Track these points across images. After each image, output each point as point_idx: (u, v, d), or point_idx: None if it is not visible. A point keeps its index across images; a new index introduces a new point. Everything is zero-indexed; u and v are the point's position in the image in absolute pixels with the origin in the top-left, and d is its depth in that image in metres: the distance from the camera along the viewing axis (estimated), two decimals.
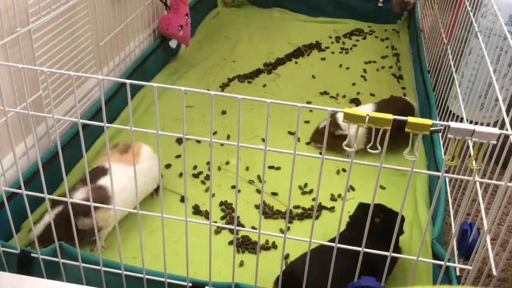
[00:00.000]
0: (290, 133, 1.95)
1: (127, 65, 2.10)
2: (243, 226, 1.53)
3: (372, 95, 2.23)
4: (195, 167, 1.75)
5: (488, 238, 1.10)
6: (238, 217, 1.56)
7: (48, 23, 1.54)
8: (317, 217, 1.58)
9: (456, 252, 1.30)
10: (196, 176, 1.72)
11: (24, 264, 1.19)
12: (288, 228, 1.53)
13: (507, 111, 1.20)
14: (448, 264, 1.07)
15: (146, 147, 1.56)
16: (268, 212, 1.58)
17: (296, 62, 2.49)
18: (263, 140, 1.91)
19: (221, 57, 2.49)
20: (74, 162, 1.67)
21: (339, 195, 1.67)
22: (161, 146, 1.83)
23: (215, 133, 1.94)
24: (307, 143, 1.89)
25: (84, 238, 1.36)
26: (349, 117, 0.85)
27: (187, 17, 2.29)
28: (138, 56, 2.18)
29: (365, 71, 2.43)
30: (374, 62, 2.52)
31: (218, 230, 1.50)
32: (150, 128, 1.91)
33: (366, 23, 2.94)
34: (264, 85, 2.28)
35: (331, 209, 1.61)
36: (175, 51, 2.44)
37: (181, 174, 1.72)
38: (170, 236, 1.47)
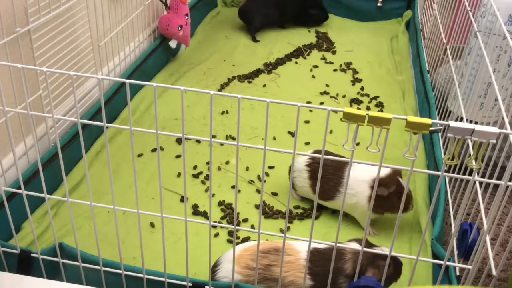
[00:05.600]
0: (290, 133, 1.95)
1: (127, 65, 2.10)
2: (243, 226, 1.53)
3: (373, 96, 2.23)
4: (195, 167, 1.75)
5: (488, 238, 1.10)
6: (238, 217, 1.56)
7: (48, 23, 1.54)
8: (317, 217, 1.58)
9: (456, 252, 1.30)
10: (196, 176, 1.72)
11: (24, 264, 1.19)
12: (288, 228, 1.53)
13: (507, 111, 1.20)
14: (448, 264, 1.07)
15: None
16: (268, 212, 1.58)
17: (296, 62, 2.49)
18: (263, 140, 1.91)
19: (221, 57, 2.49)
20: (74, 162, 1.67)
21: None
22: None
23: (214, 136, 1.94)
24: (307, 143, 1.89)
25: None
26: (348, 117, 0.85)
27: (187, 17, 2.29)
28: (138, 56, 2.18)
29: (364, 71, 2.43)
30: (374, 62, 2.52)
31: (217, 234, 1.50)
32: (150, 128, 1.91)
33: (365, 22, 2.94)
34: (264, 85, 2.28)
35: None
36: (175, 51, 2.44)
37: (180, 174, 1.72)
38: (170, 236, 1.47)
